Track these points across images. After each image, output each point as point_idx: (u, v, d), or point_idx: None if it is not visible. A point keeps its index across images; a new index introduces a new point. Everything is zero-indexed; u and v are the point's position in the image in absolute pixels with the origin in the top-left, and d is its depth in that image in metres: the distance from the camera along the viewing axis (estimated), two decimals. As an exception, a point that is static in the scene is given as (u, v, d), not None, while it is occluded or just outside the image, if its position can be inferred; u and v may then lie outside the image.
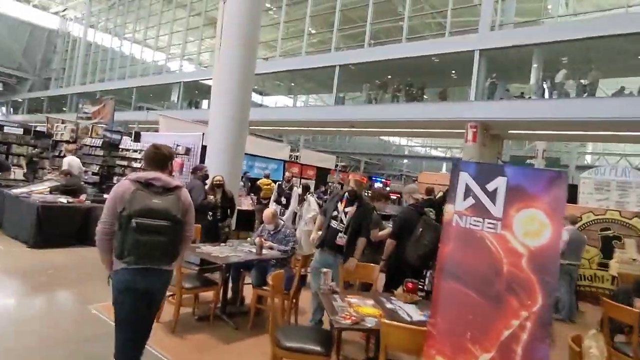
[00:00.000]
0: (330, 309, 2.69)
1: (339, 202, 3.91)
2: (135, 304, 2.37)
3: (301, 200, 7.99)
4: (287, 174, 9.12)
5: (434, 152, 35.72)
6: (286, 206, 7.94)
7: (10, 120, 25.29)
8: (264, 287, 3.95)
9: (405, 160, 37.51)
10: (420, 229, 3.67)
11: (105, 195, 7.48)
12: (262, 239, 4.33)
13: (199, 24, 24.77)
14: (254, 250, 4.28)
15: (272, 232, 4.60)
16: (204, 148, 7.85)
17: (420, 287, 3.86)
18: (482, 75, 13.79)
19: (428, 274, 3.75)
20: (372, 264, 3.82)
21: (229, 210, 5.90)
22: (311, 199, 7.37)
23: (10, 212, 6.58)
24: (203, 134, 7.88)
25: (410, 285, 3.15)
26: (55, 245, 6.05)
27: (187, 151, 7.70)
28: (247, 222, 8.83)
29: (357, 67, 17.68)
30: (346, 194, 3.97)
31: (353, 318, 2.54)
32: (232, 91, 7.23)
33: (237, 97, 7.27)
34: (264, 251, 4.25)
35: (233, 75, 7.24)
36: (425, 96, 16.28)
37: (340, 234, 3.78)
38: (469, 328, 2.05)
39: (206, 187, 5.63)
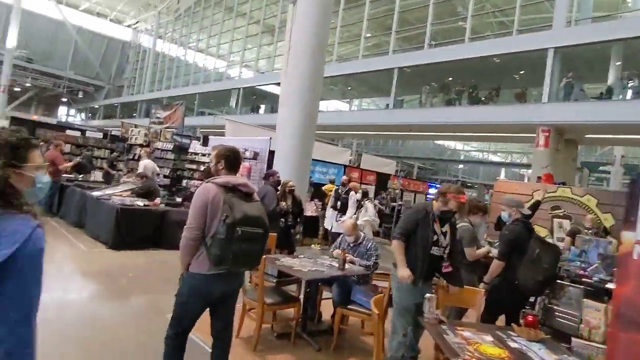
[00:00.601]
0: (448, 348, 2.25)
1: (434, 224, 3.07)
2: (201, 308, 2.44)
3: (359, 206, 7.57)
4: (343, 178, 8.72)
5: (493, 158, 33.81)
6: (343, 211, 7.54)
7: (89, 125, 27.08)
8: (350, 307, 3.59)
9: (461, 166, 35.86)
10: (537, 250, 3.12)
11: (177, 199, 7.55)
12: (345, 253, 3.96)
13: (258, 31, 25.12)
14: (335, 264, 3.93)
15: (352, 245, 4.23)
16: (271, 153, 7.69)
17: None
18: (555, 75, 12.63)
19: (538, 302, 3.18)
20: (473, 287, 3.32)
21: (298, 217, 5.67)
22: (369, 205, 6.93)
23: (91, 214, 6.74)
24: (270, 138, 7.71)
25: (530, 318, 2.64)
26: (133, 247, 6.08)
27: (255, 155, 7.55)
28: (312, 228, 8.57)
29: (415, 70, 17.00)
30: (435, 213, 3.09)
31: (478, 360, 2.10)
32: (302, 95, 6.99)
33: (307, 101, 7.03)
34: (346, 266, 3.89)
35: (302, 78, 7.01)
36: (496, 98, 15.25)
37: (444, 262, 3.10)
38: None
39: (277, 192, 5.41)
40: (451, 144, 34.09)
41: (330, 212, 7.91)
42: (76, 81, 37.00)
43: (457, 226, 3.42)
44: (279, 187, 5.40)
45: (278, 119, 7.48)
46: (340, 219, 7.29)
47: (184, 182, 9.15)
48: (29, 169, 1.30)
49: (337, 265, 3.89)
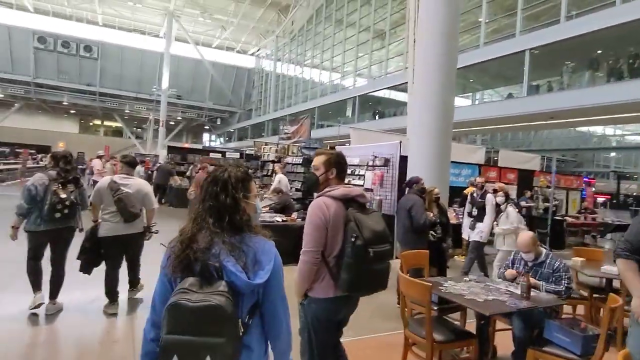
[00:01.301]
0: None
1: None
2: (334, 335, 2.21)
3: (499, 211, 6.22)
4: (478, 179, 7.41)
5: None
6: (478, 218, 6.28)
7: (227, 147, 30.03)
8: (548, 350, 2.71)
9: (613, 154, 30.06)
10: None
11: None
12: (529, 277, 3.07)
13: (368, 38, 24.78)
14: (512, 289, 3.09)
15: (531, 264, 3.33)
16: (402, 158, 7.02)
17: None
18: None
19: None
20: None
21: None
22: (510, 210, 5.63)
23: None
24: (400, 142, 7.05)
25: None
26: (275, 263, 5.98)
27: (386, 162, 6.97)
28: (453, 238, 7.58)
29: (549, 49, 14.54)
30: None
31: None
32: (434, 90, 6.19)
33: (440, 97, 6.19)
34: (531, 292, 3.01)
35: (433, 71, 6.21)
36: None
37: None
38: None
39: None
40: (597, 129, 28.81)
41: (465, 220, 6.79)
42: (214, 110, 41.61)
43: None
44: (424, 196, 4.71)
45: (408, 120, 6.80)
46: (477, 226, 6.17)
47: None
48: (252, 197, 1.47)
49: (516, 291, 3.04)
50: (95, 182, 9.31)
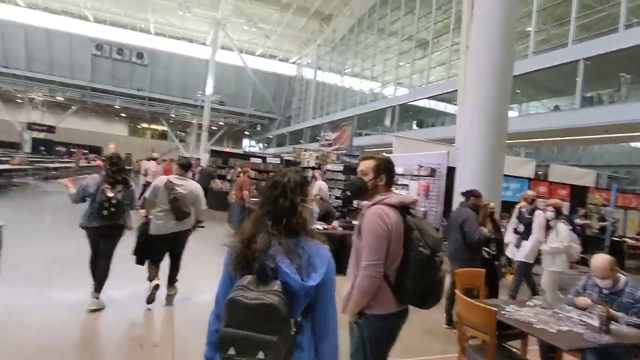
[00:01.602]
0: None
1: None
2: (388, 351, 2.06)
3: (548, 227, 5.60)
4: (529, 192, 6.83)
5: None
6: (524, 236, 5.71)
7: (266, 152, 30.43)
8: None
9: (676, 171, 27.72)
10: None
11: (354, 222, 7.16)
12: (609, 309, 2.70)
13: (410, 47, 24.36)
14: (587, 318, 2.73)
15: (607, 292, 2.95)
16: (449, 169, 6.68)
17: None
18: None
19: None
20: None
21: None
22: (560, 226, 5.07)
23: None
24: (448, 152, 6.71)
25: None
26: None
27: (433, 172, 6.65)
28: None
29: (603, 59, 13.62)
30: None
31: None
32: (488, 101, 5.82)
33: (494, 106, 5.83)
34: (611, 325, 2.64)
35: (487, 81, 5.84)
36: None
37: None
38: None
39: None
40: (652, 144, 26.69)
41: (510, 236, 6.22)
42: (255, 116, 42.40)
43: None
44: (477, 209, 4.37)
45: (457, 129, 6.47)
46: (523, 245, 5.59)
47: (355, 202, 8.85)
48: (309, 201, 1.49)
49: (591, 321, 2.69)
50: (149, 183, 9.46)
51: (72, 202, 3.85)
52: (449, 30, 21.08)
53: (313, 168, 10.13)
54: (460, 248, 4.03)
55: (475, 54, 5.98)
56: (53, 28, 34.34)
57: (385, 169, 2.07)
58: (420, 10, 23.61)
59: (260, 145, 47.50)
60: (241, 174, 8.70)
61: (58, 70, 35.46)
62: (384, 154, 2.35)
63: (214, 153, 14.84)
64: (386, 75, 27.12)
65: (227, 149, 26.02)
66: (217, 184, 12.46)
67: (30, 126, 34.17)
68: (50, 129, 35.24)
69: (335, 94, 32.61)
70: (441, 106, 25.69)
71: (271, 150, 38.41)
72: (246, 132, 46.47)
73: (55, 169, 19.19)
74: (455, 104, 21.14)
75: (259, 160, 13.06)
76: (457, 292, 2.88)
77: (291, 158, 13.99)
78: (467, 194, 4.30)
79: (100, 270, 3.83)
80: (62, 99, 36.67)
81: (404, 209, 1.98)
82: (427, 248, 1.87)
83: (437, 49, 22.92)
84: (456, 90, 17.15)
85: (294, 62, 42.16)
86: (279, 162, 12.03)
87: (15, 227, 6.16)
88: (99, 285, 3.83)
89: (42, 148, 30.98)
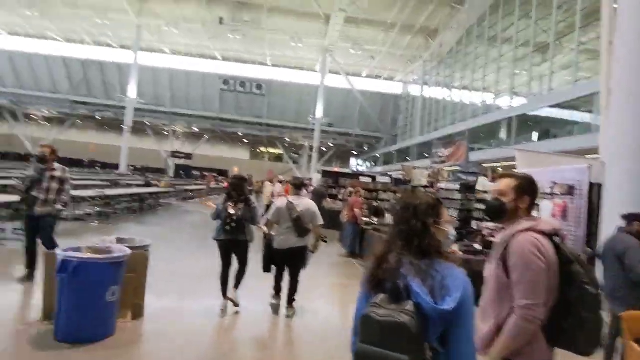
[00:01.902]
0: None
1: None
2: None
3: None
4: None
5: None
6: None
7: (374, 171, 30.47)
8: None
9: None
10: None
11: (475, 245, 6.56)
12: None
13: (526, 53, 22.09)
14: None
15: None
16: (592, 185, 5.68)
17: None
18: None
19: None
20: None
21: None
22: None
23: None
24: (590, 165, 5.73)
25: None
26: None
27: (570, 190, 5.73)
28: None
29: None
30: None
31: None
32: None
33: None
34: None
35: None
36: None
37: None
38: None
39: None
40: None
41: None
42: (362, 136, 43.15)
43: None
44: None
45: (600, 139, 5.55)
46: None
47: (473, 223, 8.12)
48: (443, 223, 1.45)
49: None
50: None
51: (212, 220, 4.40)
52: (573, 29, 18.59)
53: (425, 187, 9.66)
54: (625, 286, 3.24)
55: (623, 48, 5.07)
56: (191, 69, 40.33)
57: (529, 190, 1.79)
58: (537, 13, 21.37)
59: (367, 164, 47.76)
60: (353, 194, 8.74)
61: (193, 105, 41.40)
62: (522, 171, 2.01)
63: (325, 173, 15.33)
64: (499, 85, 25.01)
65: (336, 169, 26.71)
66: (328, 203, 12.74)
67: (173, 154, 40.40)
68: (188, 155, 41.34)
69: (443, 109, 31.23)
70: (565, 114, 22.52)
71: (379, 169, 38.25)
72: (353, 152, 47.28)
73: (192, 190, 22.08)
74: (584, 111, 18.36)
75: (369, 180, 13.02)
76: (628, 341, 2.32)
77: (400, 176, 13.66)
78: (631, 217, 3.49)
79: (239, 272, 4.43)
80: (197, 130, 42.38)
81: (555, 236, 1.70)
82: (593, 286, 1.60)
83: (559, 52, 20.39)
84: (588, 94, 14.97)
85: (399, 80, 41.81)
86: (389, 180, 11.82)
87: (164, 244, 7.17)
88: (237, 283, 4.41)
89: (182, 172, 36.17)
